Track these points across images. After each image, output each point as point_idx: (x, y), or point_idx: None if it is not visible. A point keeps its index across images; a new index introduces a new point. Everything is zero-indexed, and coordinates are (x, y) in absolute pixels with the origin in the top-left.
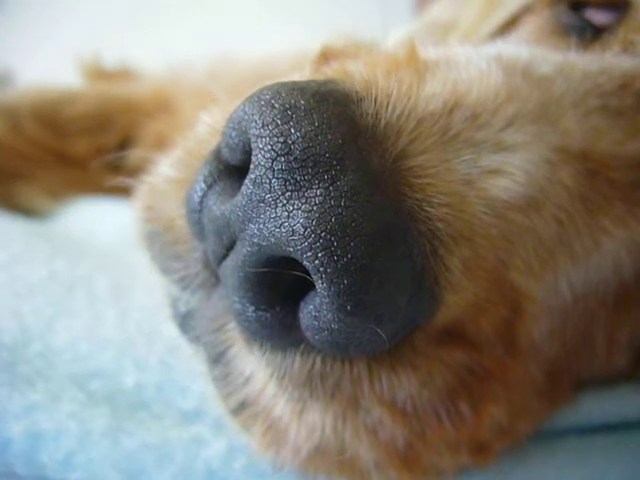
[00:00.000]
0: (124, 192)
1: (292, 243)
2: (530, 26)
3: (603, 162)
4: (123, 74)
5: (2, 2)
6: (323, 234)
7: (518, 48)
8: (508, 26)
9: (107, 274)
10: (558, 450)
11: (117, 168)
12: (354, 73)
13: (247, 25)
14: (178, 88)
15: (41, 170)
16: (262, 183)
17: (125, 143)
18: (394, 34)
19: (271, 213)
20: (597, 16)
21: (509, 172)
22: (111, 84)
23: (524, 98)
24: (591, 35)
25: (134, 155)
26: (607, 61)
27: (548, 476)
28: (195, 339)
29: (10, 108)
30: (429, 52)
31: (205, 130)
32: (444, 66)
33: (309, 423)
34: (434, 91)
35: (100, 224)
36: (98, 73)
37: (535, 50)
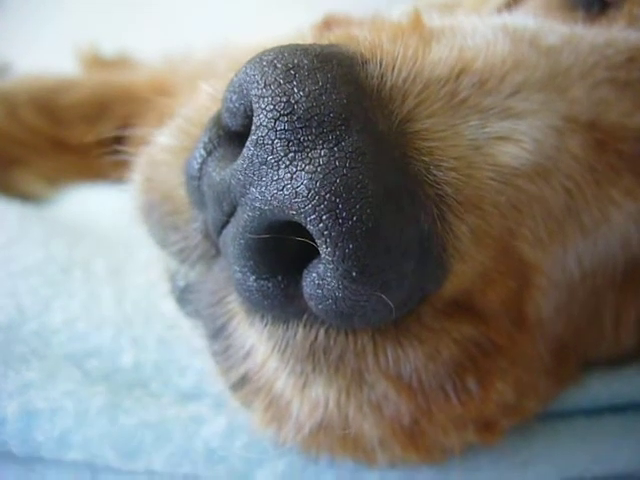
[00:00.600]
0: (122, 178)
1: (295, 206)
2: (537, 1)
3: (611, 133)
4: (121, 63)
5: None
6: (327, 196)
7: (525, 19)
8: (514, 1)
9: (105, 256)
10: (565, 431)
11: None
12: (358, 38)
13: (247, 14)
14: (176, 76)
15: (38, 157)
16: (264, 144)
17: (123, 130)
18: (396, 11)
19: (273, 175)
20: None
21: (517, 139)
22: (109, 72)
23: (532, 66)
24: (598, 10)
25: (132, 137)
26: (614, 35)
27: (555, 457)
28: (194, 313)
29: (7, 95)
30: (434, 21)
31: (206, 98)
32: (450, 33)
33: (312, 398)
34: (440, 56)
35: (98, 208)
36: (96, 62)
37: (542, 21)
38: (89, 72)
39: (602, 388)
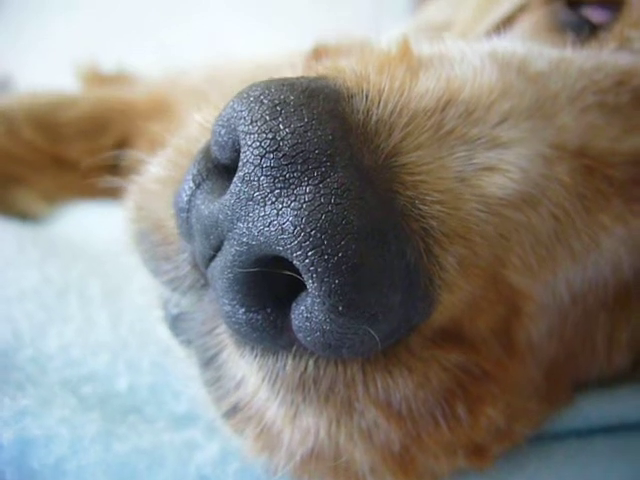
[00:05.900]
0: (120, 196)
1: (281, 242)
2: (526, 24)
3: (600, 159)
4: (120, 79)
5: (1, 8)
6: (313, 232)
7: (513, 44)
8: (504, 25)
9: (100, 278)
10: (557, 453)
11: (113, 172)
12: (345, 69)
13: (244, 27)
14: (175, 92)
15: (37, 174)
16: (251, 181)
17: (122, 147)
18: (388, 34)
19: (260, 211)
20: (594, 14)
21: (504, 169)
22: (108, 88)
23: (519, 94)
24: (588, 32)
25: (130, 158)
26: (603, 58)
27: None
28: (186, 342)
29: (6, 112)
30: (423, 48)
31: (196, 129)
32: (437, 62)
33: (303, 427)
34: (427, 87)
35: (95, 228)
36: (95, 78)
37: (530, 46)
38: (88, 88)
39: (594, 409)
